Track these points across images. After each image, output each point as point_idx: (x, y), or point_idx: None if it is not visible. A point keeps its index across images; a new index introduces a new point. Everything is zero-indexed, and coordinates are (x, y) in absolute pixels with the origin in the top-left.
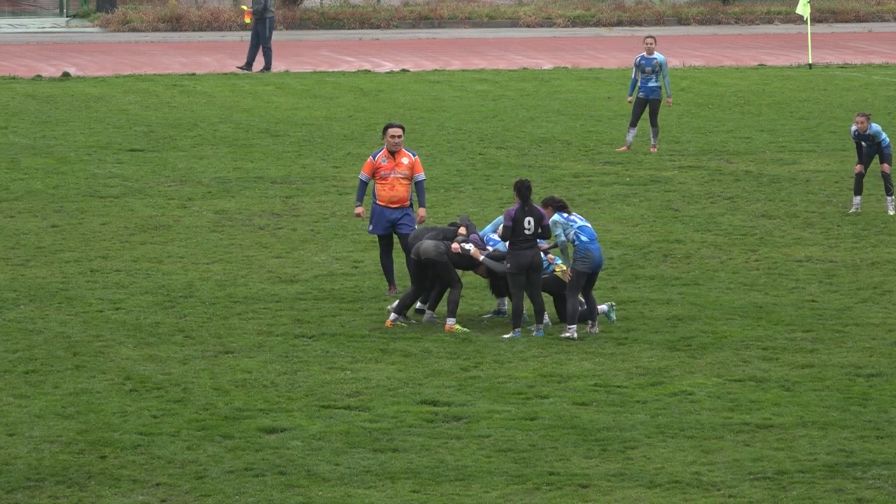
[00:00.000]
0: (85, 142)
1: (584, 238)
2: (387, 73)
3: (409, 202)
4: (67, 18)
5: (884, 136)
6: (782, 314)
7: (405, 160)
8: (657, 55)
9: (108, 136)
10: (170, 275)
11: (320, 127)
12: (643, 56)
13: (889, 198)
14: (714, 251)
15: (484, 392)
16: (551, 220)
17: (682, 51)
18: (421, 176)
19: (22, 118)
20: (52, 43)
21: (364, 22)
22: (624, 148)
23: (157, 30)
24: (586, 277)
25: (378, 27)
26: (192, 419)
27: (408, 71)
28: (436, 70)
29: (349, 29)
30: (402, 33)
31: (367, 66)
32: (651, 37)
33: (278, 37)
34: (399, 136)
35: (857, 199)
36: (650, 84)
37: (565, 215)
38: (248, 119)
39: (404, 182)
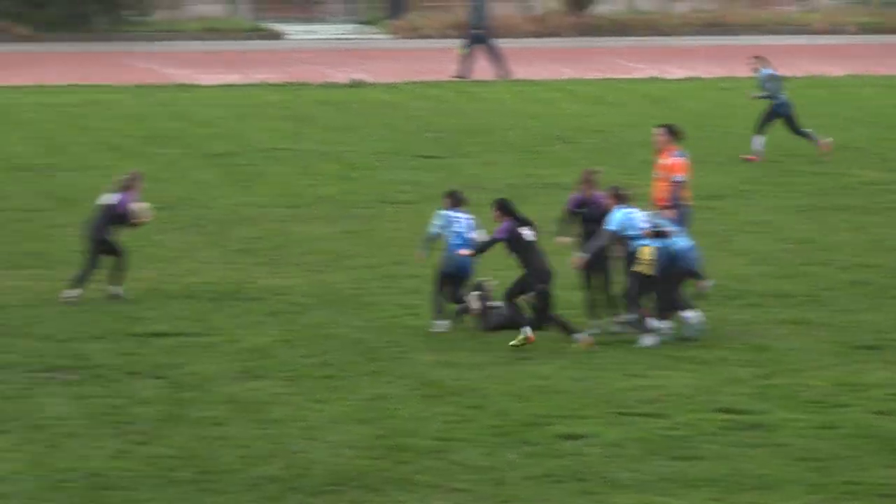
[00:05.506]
0: (376, 148)
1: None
2: (676, 79)
3: (669, 203)
4: (357, 25)
5: None
6: None
7: (669, 161)
8: None
9: (399, 142)
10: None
11: (611, 134)
12: None
13: None
14: None
15: (781, 400)
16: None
17: None
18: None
19: (313, 124)
20: (342, 49)
21: (654, 28)
22: None
23: (446, 36)
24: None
25: (667, 34)
26: (488, 425)
27: (697, 78)
28: (724, 77)
29: (639, 35)
30: (692, 40)
31: (656, 73)
32: None
33: (568, 43)
34: (658, 136)
35: None
36: None
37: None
38: (537, 125)
39: (662, 182)
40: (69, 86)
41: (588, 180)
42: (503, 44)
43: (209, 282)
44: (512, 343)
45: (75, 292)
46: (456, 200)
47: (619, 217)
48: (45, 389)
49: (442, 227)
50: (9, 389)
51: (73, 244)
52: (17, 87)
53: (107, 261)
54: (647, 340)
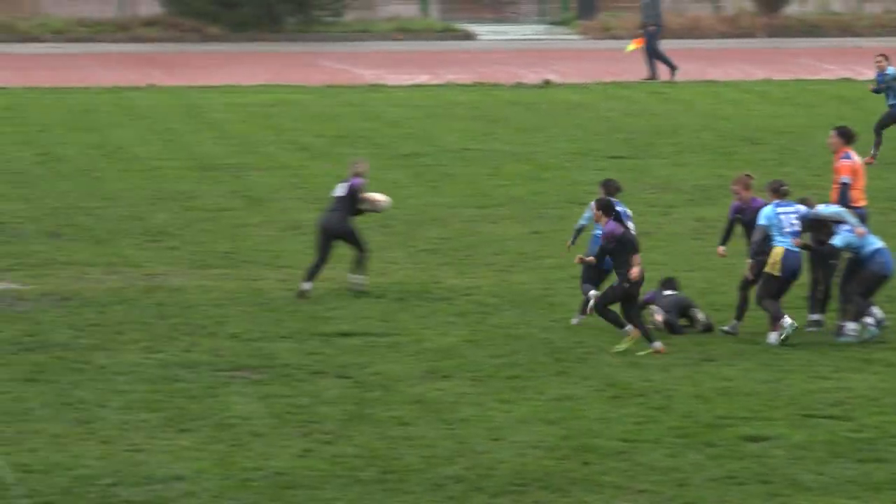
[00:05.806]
0: (565, 148)
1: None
2: (867, 81)
3: (839, 205)
4: (548, 26)
5: None
6: None
7: (839, 163)
8: None
9: (589, 143)
10: (649, 283)
11: (801, 135)
12: None
13: None
14: None
15: None
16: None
17: None
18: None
19: (504, 125)
20: (533, 50)
21: (845, 29)
22: None
23: (635, 37)
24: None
25: (859, 35)
26: (673, 426)
27: None
28: None
29: (830, 36)
30: (883, 41)
31: (848, 75)
32: None
33: (759, 44)
34: (831, 138)
35: None
36: None
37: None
38: (728, 126)
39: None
40: (260, 86)
41: (743, 183)
42: (694, 44)
43: (396, 282)
44: (630, 350)
45: (308, 285)
46: (610, 189)
47: (768, 212)
48: (231, 388)
49: (589, 218)
50: (195, 388)
51: (261, 243)
52: (209, 86)
53: (332, 253)
54: (772, 338)
